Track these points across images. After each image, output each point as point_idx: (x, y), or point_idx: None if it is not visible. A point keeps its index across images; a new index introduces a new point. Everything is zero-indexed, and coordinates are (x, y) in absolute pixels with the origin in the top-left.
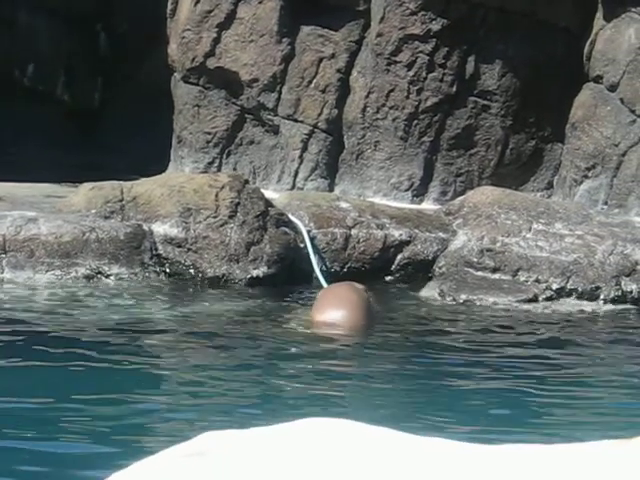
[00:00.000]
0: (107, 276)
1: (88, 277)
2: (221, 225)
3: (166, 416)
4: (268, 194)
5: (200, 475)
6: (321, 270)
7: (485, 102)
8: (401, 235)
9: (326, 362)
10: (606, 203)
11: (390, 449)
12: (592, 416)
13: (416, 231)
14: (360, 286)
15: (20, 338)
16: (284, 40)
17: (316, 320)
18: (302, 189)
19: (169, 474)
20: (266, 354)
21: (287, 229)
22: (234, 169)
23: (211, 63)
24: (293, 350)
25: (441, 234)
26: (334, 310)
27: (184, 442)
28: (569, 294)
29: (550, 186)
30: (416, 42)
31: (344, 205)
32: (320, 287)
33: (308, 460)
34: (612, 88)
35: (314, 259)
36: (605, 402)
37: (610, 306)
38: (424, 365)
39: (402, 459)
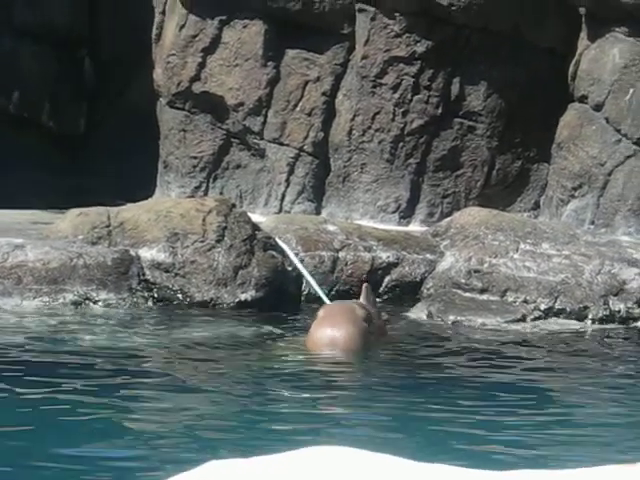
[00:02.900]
0: (95, 302)
1: (76, 303)
2: (209, 249)
3: (162, 446)
4: (255, 218)
5: None
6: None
7: (471, 123)
8: (389, 257)
9: (321, 386)
10: (593, 223)
11: (394, 476)
12: (585, 437)
13: (404, 253)
14: (362, 306)
15: (7, 365)
16: (269, 64)
17: (313, 339)
18: (289, 212)
19: None
20: (260, 379)
21: (275, 252)
22: (221, 193)
23: (197, 88)
24: (287, 374)
25: (428, 255)
26: (332, 330)
27: (187, 471)
28: (557, 314)
29: (537, 206)
30: (401, 64)
31: (331, 228)
32: (312, 306)
33: None
34: (597, 108)
35: (309, 277)
36: (597, 423)
37: (598, 325)
38: (418, 388)
39: None
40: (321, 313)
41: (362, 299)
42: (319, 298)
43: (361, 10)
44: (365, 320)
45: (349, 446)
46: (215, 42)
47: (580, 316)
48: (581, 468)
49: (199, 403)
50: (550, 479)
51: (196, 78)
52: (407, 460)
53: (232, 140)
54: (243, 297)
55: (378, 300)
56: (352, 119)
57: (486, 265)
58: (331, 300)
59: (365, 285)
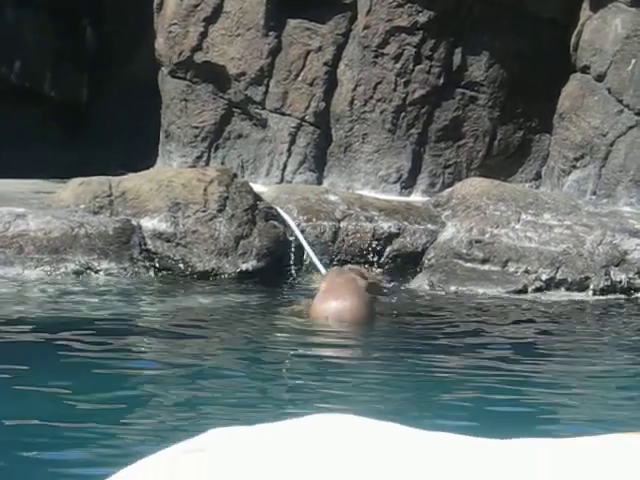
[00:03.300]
0: (96, 271)
1: (77, 272)
2: (210, 219)
3: (162, 416)
4: (257, 188)
5: (199, 471)
6: (318, 259)
7: (472, 93)
8: (390, 227)
9: (323, 355)
10: (594, 193)
11: (399, 444)
12: (586, 407)
13: (405, 223)
14: (360, 275)
15: (10, 334)
16: (271, 33)
17: (317, 310)
18: (290, 182)
19: (168, 471)
20: (263, 348)
21: (276, 222)
22: (222, 163)
23: (198, 57)
24: (288, 343)
25: (430, 226)
26: (337, 302)
27: (189, 439)
28: (558, 284)
29: (538, 177)
30: (403, 34)
31: (333, 198)
32: (313, 274)
33: (314, 456)
34: (599, 78)
35: (308, 248)
36: (598, 393)
37: (599, 296)
38: (421, 358)
39: (411, 454)
40: (323, 286)
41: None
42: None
43: None
44: (367, 289)
45: (353, 414)
46: (217, 11)
47: (581, 287)
48: (583, 437)
49: (200, 372)
50: (553, 447)
51: (198, 48)
52: (411, 428)
53: (234, 110)
54: (244, 267)
55: (379, 270)
56: (354, 89)
57: (487, 235)
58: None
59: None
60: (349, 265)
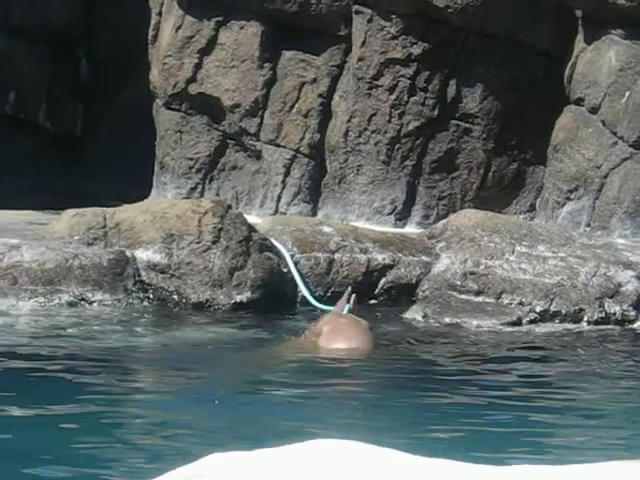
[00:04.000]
0: (90, 303)
1: (71, 304)
2: (204, 251)
3: (159, 444)
4: (251, 219)
5: None
6: (309, 292)
7: (467, 125)
8: (384, 259)
9: (321, 385)
10: (589, 225)
11: (397, 470)
12: (580, 434)
13: (399, 255)
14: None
15: (3, 365)
16: (266, 65)
17: (327, 350)
18: (285, 214)
19: None
20: (257, 379)
21: (270, 254)
22: (217, 194)
23: (193, 89)
24: (283, 374)
25: (424, 257)
26: (346, 343)
27: (187, 464)
28: (553, 316)
29: (532, 208)
30: (397, 66)
31: (327, 229)
32: (308, 308)
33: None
34: (593, 110)
35: (300, 282)
36: (596, 420)
37: (594, 327)
38: (417, 388)
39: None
40: (326, 328)
41: (338, 302)
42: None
43: (358, 12)
44: (370, 329)
45: (352, 440)
46: (211, 43)
47: (576, 318)
48: (584, 464)
49: (195, 403)
50: (552, 474)
51: (192, 79)
52: (409, 454)
53: (228, 141)
54: (239, 298)
55: (374, 302)
56: (348, 120)
57: (482, 267)
58: (322, 303)
59: (349, 289)
60: (353, 295)
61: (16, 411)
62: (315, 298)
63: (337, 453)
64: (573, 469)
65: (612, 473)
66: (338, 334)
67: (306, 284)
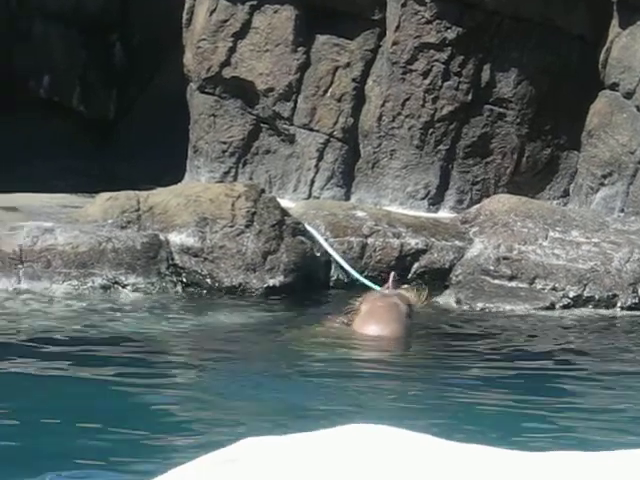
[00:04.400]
0: (124, 286)
1: (105, 287)
2: (237, 234)
3: (193, 428)
4: (284, 203)
5: None
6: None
7: (501, 110)
8: (417, 244)
9: (355, 370)
10: (622, 210)
11: (431, 455)
12: (613, 422)
13: (432, 240)
14: (403, 299)
15: (37, 349)
16: (299, 49)
17: (358, 332)
18: (318, 198)
19: None
20: (293, 363)
21: (303, 238)
22: (250, 178)
23: (227, 73)
24: (318, 358)
25: (457, 242)
26: (379, 327)
27: (222, 448)
28: (586, 302)
29: (566, 194)
30: (431, 50)
31: (360, 214)
32: (341, 291)
33: (346, 465)
34: (628, 95)
35: (342, 261)
36: (626, 409)
37: (627, 313)
38: (451, 374)
39: (443, 465)
40: (364, 307)
41: (389, 287)
42: (349, 283)
43: None
44: (407, 315)
45: (385, 424)
46: (245, 27)
47: (609, 304)
48: (617, 450)
49: (230, 387)
50: (584, 460)
51: (226, 63)
52: (443, 440)
53: (262, 125)
54: (272, 282)
55: (406, 286)
56: (382, 105)
57: (515, 252)
58: (367, 278)
59: (392, 274)
60: (405, 285)
61: (47, 394)
62: (360, 275)
63: (371, 438)
64: (615, 455)
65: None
66: (372, 317)
67: (348, 262)
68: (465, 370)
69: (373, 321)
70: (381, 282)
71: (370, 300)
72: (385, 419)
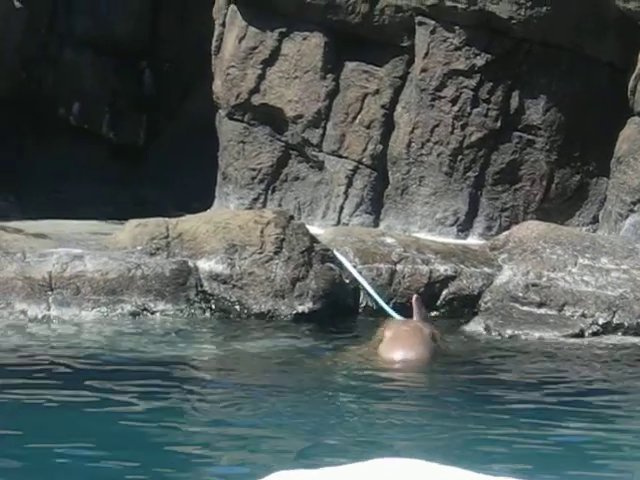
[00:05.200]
0: (153, 313)
1: (134, 314)
2: (266, 261)
3: (220, 458)
4: (313, 230)
5: None
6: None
7: (530, 137)
8: (446, 270)
9: (382, 397)
10: None
11: None
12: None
13: (461, 266)
14: (425, 323)
15: (66, 375)
16: (328, 76)
17: (384, 358)
18: (347, 225)
19: None
20: (320, 391)
21: (332, 265)
22: (279, 205)
23: (256, 99)
24: (347, 385)
25: (486, 269)
26: (404, 351)
27: None
28: (615, 329)
29: (595, 220)
30: (460, 77)
31: (389, 240)
32: (369, 318)
33: None
34: None
35: (371, 290)
36: None
37: None
38: (481, 404)
39: None
40: (388, 333)
41: (415, 312)
42: (378, 310)
43: (421, 23)
44: (432, 339)
45: (415, 458)
46: (274, 54)
47: (638, 331)
48: None
49: (258, 414)
50: None
51: (255, 90)
52: (473, 473)
53: (291, 152)
54: (300, 309)
55: (435, 313)
56: (411, 132)
57: (544, 279)
58: (393, 309)
59: (415, 297)
60: (432, 313)
61: (75, 420)
62: (387, 305)
63: (402, 472)
64: None
65: None
66: (397, 342)
67: (376, 291)
68: (494, 400)
69: (398, 345)
70: (407, 311)
71: (393, 326)
72: (414, 450)
